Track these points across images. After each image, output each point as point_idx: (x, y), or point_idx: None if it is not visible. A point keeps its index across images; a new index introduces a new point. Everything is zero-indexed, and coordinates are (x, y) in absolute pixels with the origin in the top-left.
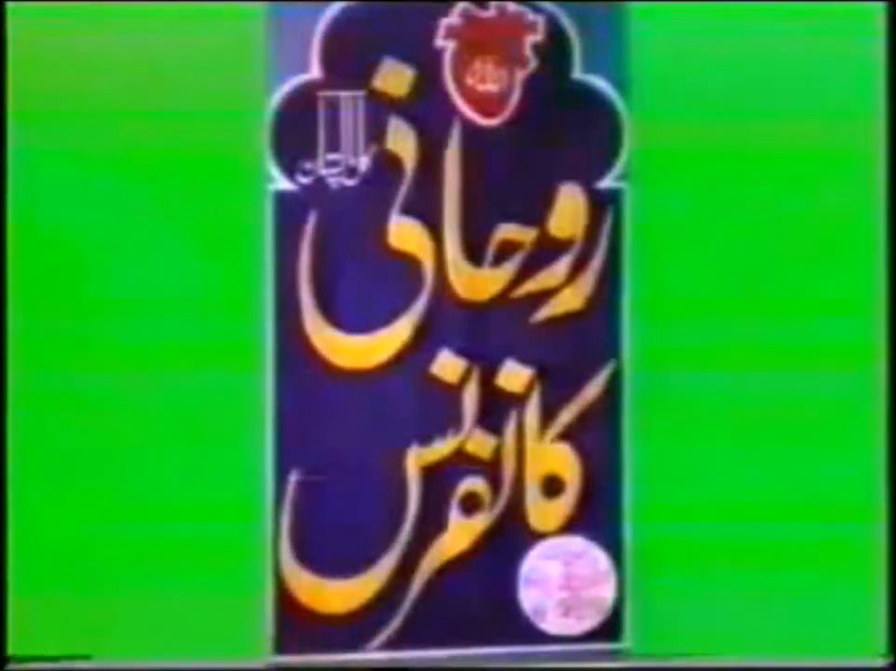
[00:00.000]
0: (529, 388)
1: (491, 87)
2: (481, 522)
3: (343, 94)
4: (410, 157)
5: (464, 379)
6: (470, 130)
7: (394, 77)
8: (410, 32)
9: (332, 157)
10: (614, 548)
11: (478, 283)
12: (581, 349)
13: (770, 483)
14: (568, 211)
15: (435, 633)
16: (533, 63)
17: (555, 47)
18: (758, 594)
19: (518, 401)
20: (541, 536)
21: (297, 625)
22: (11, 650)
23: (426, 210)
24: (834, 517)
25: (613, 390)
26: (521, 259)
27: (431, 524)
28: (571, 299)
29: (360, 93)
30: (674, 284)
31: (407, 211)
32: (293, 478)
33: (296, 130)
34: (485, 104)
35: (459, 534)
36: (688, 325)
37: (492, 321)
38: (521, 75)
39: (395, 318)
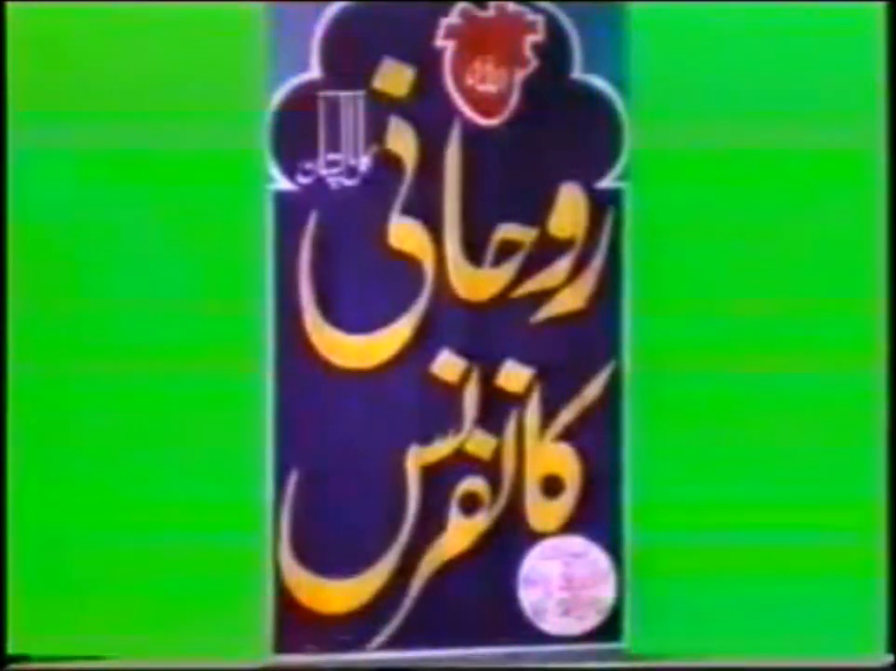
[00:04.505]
0: (529, 388)
1: (491, 87)
2: (481, 522)
3: (343, 94)
4: (410, 157)
5: (464, 379)
6: (470, 130)
7: (394, 77)
8: (410, 32)
9: (332, 157)
10: (614, 548)
11: (478, 283)
12: (581, 349)
13: (770, 483)
14: (568, 211)
15: (435, 633)
16: (533, 63)
17: (555, 47)
18: (758, 594)
19: (518, 401)
20: (541, 536)
21: (297, 625)
22: (11, 650)
23: (426, 210)
24: (835, 518)
25: (613, 390)
26: (521, 259)
27: (431, 524)
28: (571, 299)
29: (360, 93)
30: (674, 284)
31: (407, 211)
32: (293, 478)
33: (296, 130)
34: (485, 104)
35: (459, 534)
36: (688, 325)
37: (492, 321)
38: (521, 75)
39: (395, 318)
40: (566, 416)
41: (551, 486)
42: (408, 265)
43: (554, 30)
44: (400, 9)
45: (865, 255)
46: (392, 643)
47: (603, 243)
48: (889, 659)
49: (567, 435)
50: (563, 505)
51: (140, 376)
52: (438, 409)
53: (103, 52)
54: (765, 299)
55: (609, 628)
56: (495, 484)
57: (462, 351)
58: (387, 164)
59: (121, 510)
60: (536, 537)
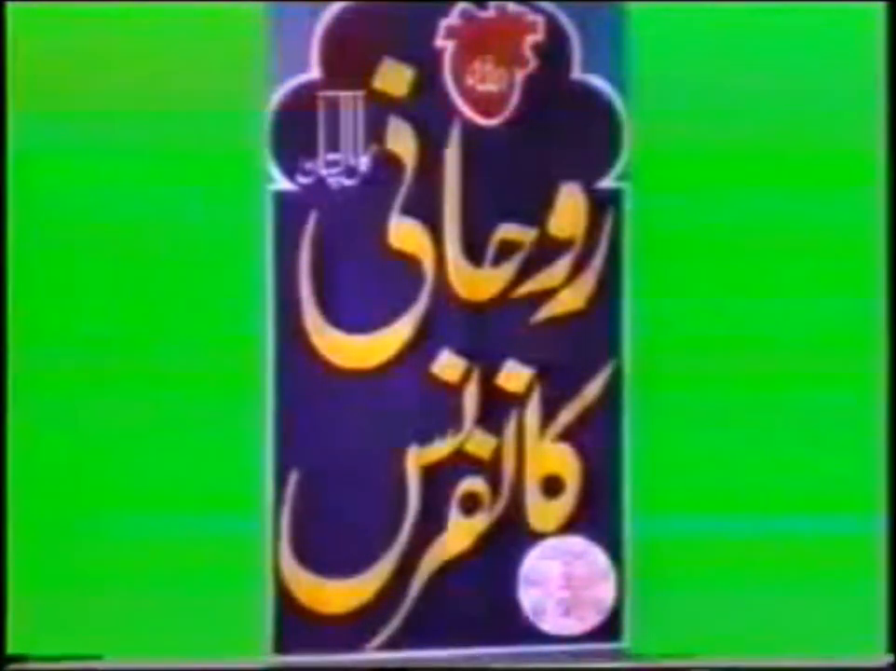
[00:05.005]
0: (529, 388)
1: (491, 87)
2: (481, 522)
3: (343, 94)
4: (410, 157)
5: (464, 379)
6: (470, 130)
7: (394, 77)
8: (410, 32)
9: (332, 157)
10: (614, 548)
11: (478, 283)
12: (581, 349)
13: (770, 483)
14: (568, 211)
15: (435, 633)
16: (533, 63)
17: (555, 47)
18: (758, 593)
19: (518, 401)
20: (541, 536)
21: (297, 625)
22: (11, 650)
23: (426, 210)
24: (835, 517)
25: (613, 390)
26: (521, 259)
27: (431, 524)
28: (571, 299)
29: (360, 93)
30: (674, 284)
31: (407, 211)
32: (293, 478)
33: (296, 130)
34: (485, 104)
35: (459, 534)
36: (688, 325)
37: (492, 321)
38: (521, 75)
39: (395, 318)
40: (566, 416)
41: (551, 486)
42: (408, 265)
43: (554, 30)
44: (400, 9)
45: (865, 255)
46: (392, 643)
47: (603, 243)
48: (889, 659)
49: (567, 435)
50: (563, 505)
51: (139, 376)
52: (438, 409)
53: (103, 52)
54: (764, 299)
55: (609, 628)
56: (495, 484)
57: (462, 351)
58: (387, 164)
59: (121, 510)
60: (536, 537)
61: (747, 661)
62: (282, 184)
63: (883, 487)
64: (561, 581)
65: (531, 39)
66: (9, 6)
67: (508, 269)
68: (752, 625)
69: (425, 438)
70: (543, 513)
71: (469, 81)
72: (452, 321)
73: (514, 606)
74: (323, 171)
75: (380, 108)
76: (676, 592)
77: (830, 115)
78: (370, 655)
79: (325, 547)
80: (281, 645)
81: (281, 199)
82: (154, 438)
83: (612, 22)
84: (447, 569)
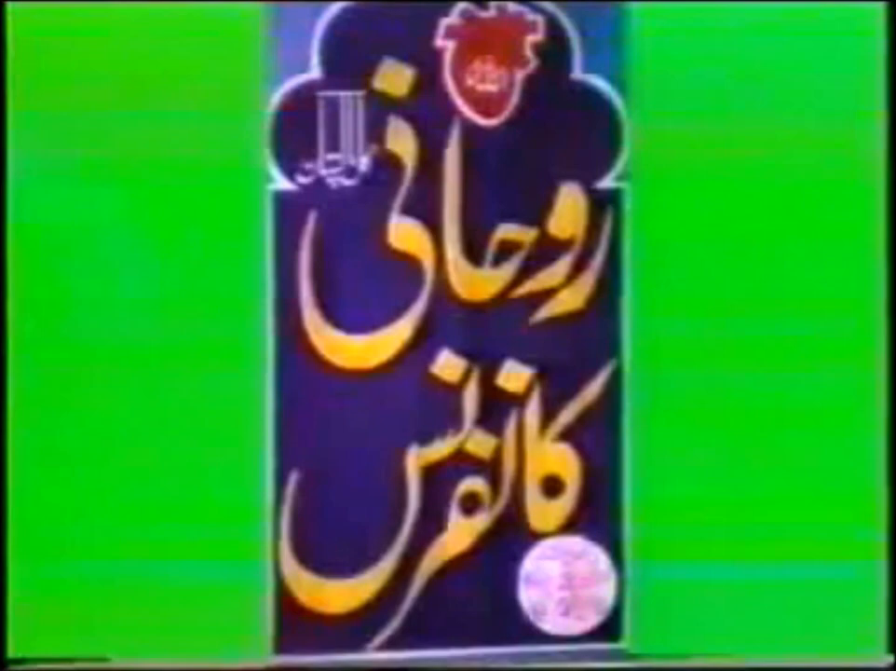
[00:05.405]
0: (529, 388)
1: (491, 87)
2: (481, 522)
3: (343, 94)
4: (410, 157)
5: (464, 379)
6: (470, 130)
7: (394, 77)
8: (410, 32)
9: (332, 157)
10: (614, 548)
11: (478, 283)
12: (581, 349)
13: (770, 483)
14: (568, 211)
15: (435, 633)
16: (533, 63)
17: (555, 47)
18: (758, 594)
19: (518, 401)
20: (541, 536)
21: (297, 625)
22: (11, 650)
23: (426, 210)
24: (835, 517)
25: (613, 390)
26: (521, 259)
27: (431, 524)
28: (571, 299)
29: (360, 93)
30: (674, 284)
31: (407, 211)
32: (293, 478)
33: (296, 130)
34: (485, 104)
35: (459, 534)
36: (688, 325)
37: (492, 321)
38: (521, 75)
39: (395, 318)
40: (566, 416)
41: (551, 486)
42: (408, 265)
43: (554, 30)
44: (400, 9)
45: (865, 254)
46: (392, 643)
47: (602, 243)
48: (889, 659)
49: (567, 435)
50: (563, 505)
51: (140, 376)
52: (438, 409)
53: (103, 52)
54: (764, 299)
55: (609, 628)
56: (495, 484)
57: (462, 351)
58: (387, 164)
59: (121, 511)
60: (536, 537)
61: (747, 661)
62: (282, 183)
63: (884, 488)
64: (561, 581)
65: (531, 39)
66: (9, 6)
67: (508, 269)
68: (751, 625)
69: (425, 438)
70: (543, 513)
71: (469, 81)
72: (452, 321)
73: (514, 606)
74: (323, 171)
75: (380, 108)
76: (676, 592)
77: (830, 115)
78: (370, 655)
79: (325, 547)
80: (281, 645)
81: (281, 199)
82: (153, 438)
83: (612, 22)
84: (447, 569)
